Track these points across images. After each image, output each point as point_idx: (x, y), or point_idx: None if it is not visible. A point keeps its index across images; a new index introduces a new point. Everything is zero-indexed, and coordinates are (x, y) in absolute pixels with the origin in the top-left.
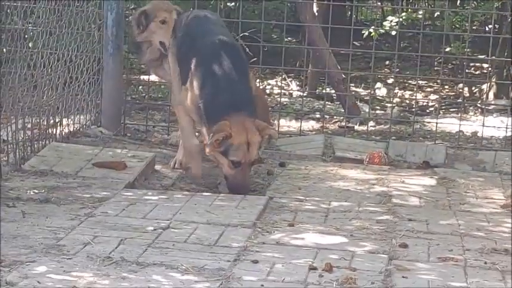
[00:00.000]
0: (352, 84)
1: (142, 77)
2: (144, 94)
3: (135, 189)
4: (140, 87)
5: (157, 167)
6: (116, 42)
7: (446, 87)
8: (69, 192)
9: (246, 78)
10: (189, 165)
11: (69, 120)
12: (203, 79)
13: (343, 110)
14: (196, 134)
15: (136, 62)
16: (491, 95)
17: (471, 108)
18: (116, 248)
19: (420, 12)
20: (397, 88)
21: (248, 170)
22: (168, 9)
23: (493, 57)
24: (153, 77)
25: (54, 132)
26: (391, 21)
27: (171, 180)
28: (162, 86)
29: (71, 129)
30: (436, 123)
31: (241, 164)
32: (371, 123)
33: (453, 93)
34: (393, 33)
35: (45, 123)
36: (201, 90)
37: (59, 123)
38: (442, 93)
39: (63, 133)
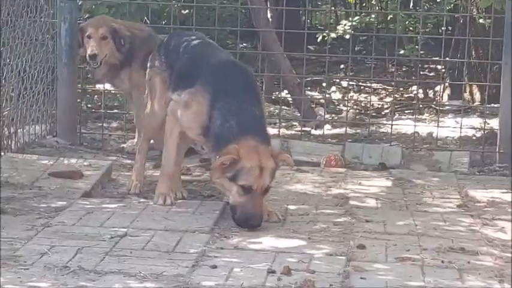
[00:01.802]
0: (308, 88)
1: (97, 86)
2: (99, 103)
3: (92, 198)
4: (96, 96)
5: (114, 175)
6: (69, 52)
7: (401, 89)
8: (25, 202)
9: (259, 102)
10: (161, 187)
11: (24, 130)
12: (214, 98)
13: (299, 114)
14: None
15: (91, 72)
16: (445, 96)
17: (426, 109)
18: (74, 257)
19: (373, 15)
20: (352, 91)
21: (260, 198)
22: (97, 25)
23: (447, 58)
24: (108, 86)
25: (9, 143)
26: (344, 25)
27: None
28: (118, 95)
29: (26, 140)
30: (391, 125)
31: (252, 190)
32: (327, 126)
33: (408, 95)
34: (347, 36)
35: (0, 134)
36: (210, 111)
37: (14, 134)
38: (397, 95)
39: (19, 144)
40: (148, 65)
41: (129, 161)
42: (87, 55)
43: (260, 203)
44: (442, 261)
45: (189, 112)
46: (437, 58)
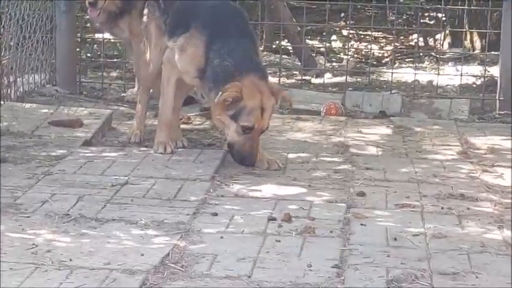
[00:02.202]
0: (308, 37)
1: (97, 35)
2: (99, 52)
3: (92, 146)
4: (95, 45)
5: (114, 124)
6: (68, 0)
7: (401, 37)
8: (25, 151)
9: (254, 43)
10: (160, 136)
11: (24, 79)
12: (210, 40)
13: (299, 63)
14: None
15: (90, 21)
16: (445, 44)
17: (426, 57)
18: (75, 205)
19: None
20: (352, 40)
21: (257, 138)
22: None
23: (447, 6)
24: (108, 35)
25: (9, 92)
26: None
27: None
28: (117, 44)
29: (26, 89)
30: (392, 73)
31: (252, 130)
32: (327, 75)
33: (408, 43)
34: None
35: None
36: (207, 51)
37: (13, 83)
38: (397, 44)
39: (18, 93)
40: (144, 12)
41: (129, 110)
42: (86, 1)
43: (257, 143)
44: (442, 208)
45: (185, 55)
46: (437, 6)
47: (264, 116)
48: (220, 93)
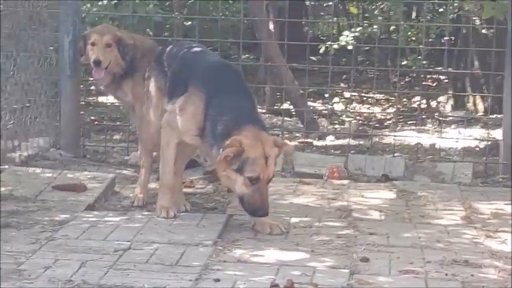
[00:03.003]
0: (310, 99)
1: (100, 98)
2: (102, 115)
3: (95, 211)
4: (99, 108)
5: (117, 188)
6: (73, 65)
7: (404, 100)
8: (29, 216)
9: (251, 98)
10: (162, 200)
11: (28, 143)
12: (207, 98)
13: (301, 125)
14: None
15: (94, 83)
16: (448, 107)
17: (429, 120)
18: (77, 271)
19: (376, 26)
20: (354, 102)
21: (266, 187)
22: (101, 32)
23: (449, 69)
24: (112, 99)
25: (13, 156)
26: (347, 35)
27: (132, 201)
28: (121, 107)
29: (30, 153)
30: (394, 136)
31: (259, 180)
32: (330, 137)
33: (411, 106)
34: (350, 47)
35: (4, 147)
36: (207, 108)
37: (17, 147)
38: (400, 106)
39: (22, 157)
40: (146, 75)
41: (132, 174)
42: (91, 61)
43: (266, 192)
44: (446, 274)
45: (185, 114)
46: (440, 69)
47: (268, 164)
48: (221, 150)
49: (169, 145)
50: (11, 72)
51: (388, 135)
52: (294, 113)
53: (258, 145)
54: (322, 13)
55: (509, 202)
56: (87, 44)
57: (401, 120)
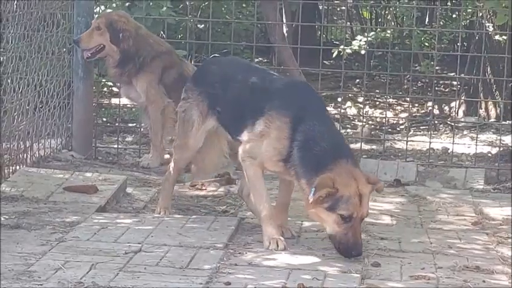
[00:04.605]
0: None
1: (113, 100)
2: (115, 117)
3: (107, 212)
4: (111, 110)
5: (129, 189)
6: (86, 66)
7: (416, 105)
8: (40, 217)
9: (333, 122)
10: (268, 231)
11: (40, 144)
12: (293, 122)
13: None
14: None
15: (108, 85)
16: (460, 113)
17: (441, 125)
18: (88, 272)
19: (389, 31)
20: (367, 107)
21: (359, 226)
22: (101, 14)
23: (462, 74)
24: (124, 100)
25: (25, 157)
26: (360, 40)
27: (143, 203)
28: (133, 109)
29: (42, 154)
30: (407, 141)
31: (352, 218)
32: None
33: (423, 111)
34: (362, 52)
35: (16, 148)
36: (292, 134)
37: (29, 148)
38: (412, 111)
39: (34, 158)
40: (182, 96)
41: (143, 176)
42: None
43: (359, 231)
44: (457, 280)
45: (268, 140)
46: (452, 74)
47: (362, 204)
48: (313, 189)
49: (257, 176)
50: (24, 73)
51: (401, 140)
52: None
53: (352, 183)
54: (335, 17)
55: None
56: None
57: (413, 125)
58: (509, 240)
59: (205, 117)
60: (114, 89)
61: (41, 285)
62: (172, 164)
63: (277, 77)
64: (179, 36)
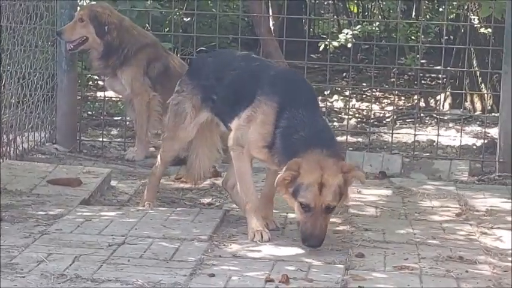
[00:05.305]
0: None
1: (98, 93)
2: (100, 110)
3: (91, 205)
4: (96, 103)
5: (113, 182)
6: (69, 59)
7: (402, 98)
8: (23, 210)
9: (320, 113)
10: (252, 224)
11: (24, 137)
12: (279, 108)
13: None
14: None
15: (92, 78)
16: (446, 105)
17: (427, 118)
18: (71, 265)
19: (375, 24)
20: (354, 100)
21: (321, 217)
22: (83, 8)
23: (448, 67)
24: (109, 93)
25: (8, 150)
26: (346, 33)
27: (127, 195)
28: (119, 102)
29: (26, 147)
30: (392, 133)
31: (311, 208)
32: None
33: (409, 104)
34: (349, 45)
35: None
36: (277, 121)
37: (13, 141)
38: (398, 104)
39: (18, 151)
40: (176, 89)
41: (128, 169)
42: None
43: (320, 222)
44: (440, 270)
45: (254, 125)
46: (438, 67)
47: (323, 193)
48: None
49: (245, 167)
50: (7, 66)
51: (386, 133)
52: None
53: (317, 171)
54: (321, 11)
55: (505, 200)
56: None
57: (399, 118)
58: (493, 231)
59: (199, 110)
60: (99, 82)
61: (24, 277)
62: (159, 158)
63: (271, 65)
64: (165, 30)
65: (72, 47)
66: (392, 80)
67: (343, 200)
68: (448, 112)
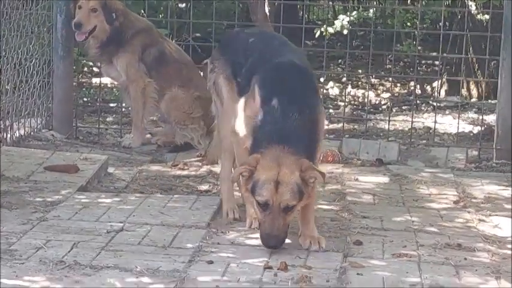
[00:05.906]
0: None
1: (94, 79)
2: (96, 97)
3: (88, 192)
4: (92, 90)
5: (110, 169)
6: (66, 45)
7: (399, 85)
8: (20, 196)
9: (311, 110)
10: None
11: (20, 124)
12: (262, 101)
13: None
14: None
15: (88, 64)
16: (443, 92)
17: (423, 105)
18: (69, 251)
19: (371, 10)
20: (349, 87)
21: (278, 215)
22: None
23: (444, 54)
24: (105, 79)
25: (5, 136)
26: (342, 20)
27: (125, 182)
28: (114, 89)
29: (22, 133)
30: (389, 120)
31: (268, 206)
32: (324, 122)
33: (405, 91)
34: (345, 32)
35: None
36: (259, 113)
37: (9, 127)
38: (395, 91)
39: (14, 137)
40: (209, 68)
41: (125, 156)
42: (72, 23)
43: (279, 222)
44: (439, 258)
45: (244, 114)
46: (435, 54)
47: (279, 191)
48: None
49: (242, 156)
50: (3, 52)
51: (383, 120)
52: None
53: (273, 168)
54: None
55: (503, 187)
56: (76, 7)
57: (395, 105)
58: (491, 218)
59: (232, 83)
60: (95, 68)
61: (22, 263)
62: (222, 155)
63: (286, 50)
64: (160, 16)
65: (84, 37)
66: (388, 66)
67: (305, 200)
68: (445, 99)
